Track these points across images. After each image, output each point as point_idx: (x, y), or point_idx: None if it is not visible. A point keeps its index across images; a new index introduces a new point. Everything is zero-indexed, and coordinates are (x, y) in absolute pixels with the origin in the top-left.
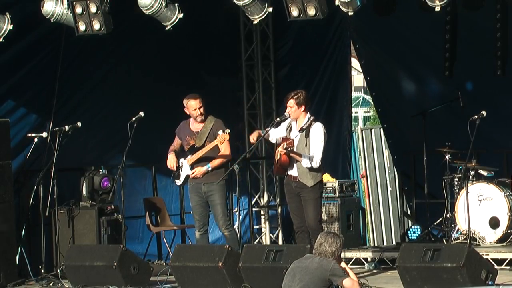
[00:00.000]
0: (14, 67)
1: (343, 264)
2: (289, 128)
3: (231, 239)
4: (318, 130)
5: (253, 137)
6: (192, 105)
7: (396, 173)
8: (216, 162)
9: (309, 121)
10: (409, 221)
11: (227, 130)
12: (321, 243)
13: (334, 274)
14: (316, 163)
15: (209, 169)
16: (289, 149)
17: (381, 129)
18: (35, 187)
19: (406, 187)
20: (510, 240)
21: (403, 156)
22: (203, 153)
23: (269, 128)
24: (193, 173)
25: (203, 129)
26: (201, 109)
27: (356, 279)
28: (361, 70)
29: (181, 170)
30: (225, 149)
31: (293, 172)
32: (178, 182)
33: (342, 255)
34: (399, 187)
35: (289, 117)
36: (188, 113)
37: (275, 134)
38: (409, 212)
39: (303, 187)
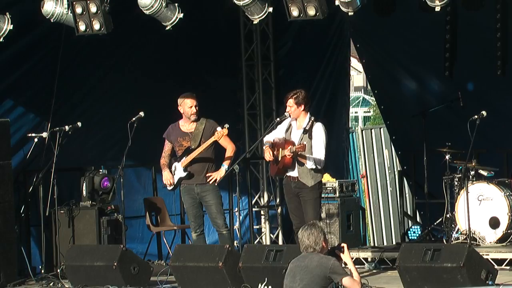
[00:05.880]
0: (13, 66)
1: (348, 261)
2: (289, 129)
3: (228, 238)
4: (319, 131)
5: (269, 155)
6: (188, 103)
7: (400, 168)
8: (228, 159)
9: (310, 121)
10: (409, 221)
11: (226, 125)
12: (300, 239)
13: (334, 272)
14: (321, 164)
15: (226, 168)
16: (298, 152)
17: (381, 129)
18: (35, 187)
19: (406, 187)
20: (510, 240)
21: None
22: (197, 153)
23: (269, 130)
24: (213, 179)
25: (195, 130)
26: (197, 108)
27: (359, 279)
28: (361, 70)
29: (174, 174)
30: (227, 144)
31: (293, 173)
32: (170, 187)
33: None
34: (399, 186)
35: (289, 116)
36: (181, 112)
37: (272, 136)
38: (409, 212)
39: (302, 187)
